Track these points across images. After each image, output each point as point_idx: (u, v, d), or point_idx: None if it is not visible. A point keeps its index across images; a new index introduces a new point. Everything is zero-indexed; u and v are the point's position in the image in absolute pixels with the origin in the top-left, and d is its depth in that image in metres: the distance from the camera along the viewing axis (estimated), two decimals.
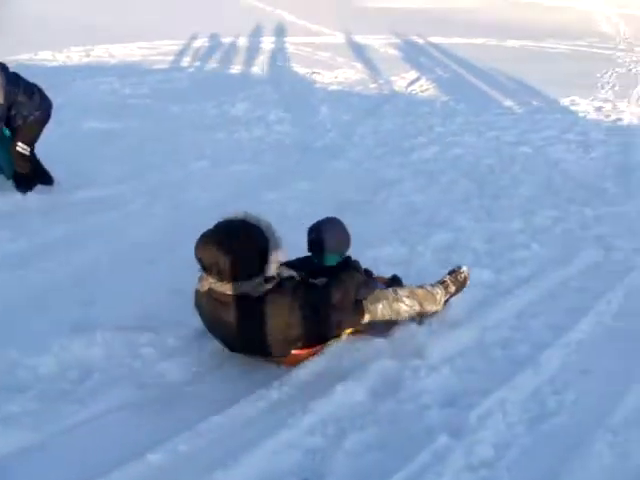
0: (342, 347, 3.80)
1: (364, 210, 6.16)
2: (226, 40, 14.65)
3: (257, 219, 3.25)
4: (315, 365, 3.64)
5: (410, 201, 6.44)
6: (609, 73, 14.05)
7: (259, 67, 12.49)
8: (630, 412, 3.57)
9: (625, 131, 9.92)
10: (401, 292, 3.83)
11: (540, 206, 6.63)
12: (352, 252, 4.03)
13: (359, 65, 13.01)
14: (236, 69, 12.40)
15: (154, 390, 3.47)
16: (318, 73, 12.06)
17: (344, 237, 3.86)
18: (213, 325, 3.42)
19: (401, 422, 3.29)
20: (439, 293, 4.03)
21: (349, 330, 3.75)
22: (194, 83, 11.25)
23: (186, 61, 12.81)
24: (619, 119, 10.55)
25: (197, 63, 12.70)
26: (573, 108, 10.94)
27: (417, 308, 3.90)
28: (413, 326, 4.02)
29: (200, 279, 3.28)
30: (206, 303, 3.32)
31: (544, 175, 7.66)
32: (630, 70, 14.61)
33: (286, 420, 3.21)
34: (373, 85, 11.57)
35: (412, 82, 11.91)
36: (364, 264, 4.02)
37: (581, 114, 10.64)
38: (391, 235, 5.53)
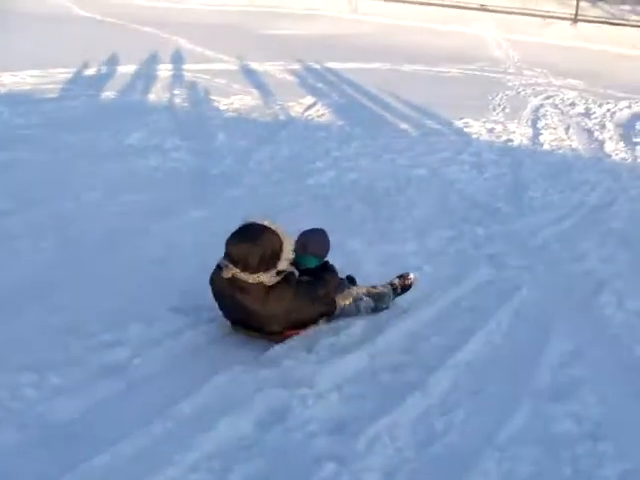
0: (227, 378, 3.76)
1: None
2: (122, 68, 14.42)
3: (276, 225, 4.03)
4: (199, 398, 3.58)
5: (305, 227, 6.43)
6: (500, 96, 14.47)
7: (155, 95, 12.33)
8: (517, 429, 3.65)
9: (516, 151, 10.24)
10: (361, 292, 4.51)
11: (434, 227, 6.76)
12: None
13: (255, 91, 13.00)
14: (132, 97, 12.20)
15: (36, 431, 3.35)
16: (215, 100, 11.99)
17: (326, 245, 4.54)
18: (229, 305, 4.12)
19: (288, 452, 3.27)
20: (388, 293, 4.70)
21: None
22: (89, 111, 11.02)
23: (80, 89, 12.51)
24: (510, 140, 10.88)
25: (92, 91, 12.43)
26: (466, 130, 11.21)
27: (372, 305, 4.57)
28: (302, 354, 4.02)
29: (224, 268, 3.93)
30: (226, 287, 3.99)
31: (439, 196, 7.82)
32: (519, 93, 15.07)
33: (171, 457, 3.14)
34: (270, 111, 11.57)
35: (308, 107, 11.96)
36: None
37: (474, 136, 10.91)
38: None
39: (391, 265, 5.67)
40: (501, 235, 6.76)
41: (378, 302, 4.60)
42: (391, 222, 6.82)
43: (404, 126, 11.18)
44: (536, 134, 11.40)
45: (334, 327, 4.45)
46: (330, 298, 4.31)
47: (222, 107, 11.57)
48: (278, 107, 11.85)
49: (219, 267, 3.99)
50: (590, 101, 14.79)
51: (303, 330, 4.25)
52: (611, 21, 33.05)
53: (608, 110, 13.98)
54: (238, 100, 12.14)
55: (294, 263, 4.21)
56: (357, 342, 4.30)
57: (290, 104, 12.07)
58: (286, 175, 8.18)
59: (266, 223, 3.99)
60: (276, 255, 3.92)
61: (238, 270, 3.88)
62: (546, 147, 10.69)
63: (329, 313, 4.34)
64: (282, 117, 11.25)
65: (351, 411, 3.61)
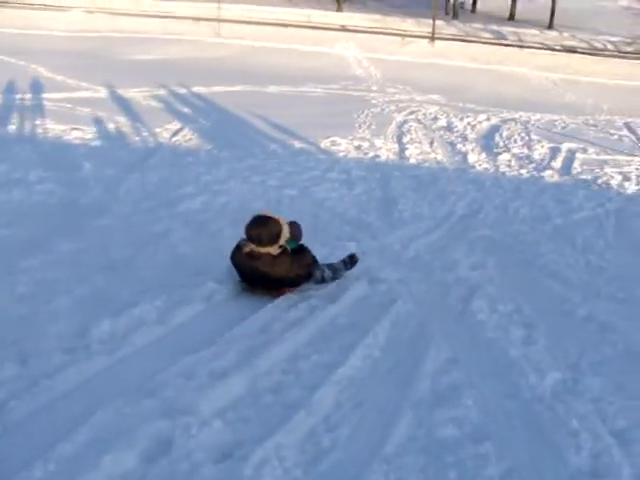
0: (109, 412, 3.64)
1: (132, 266, 5.99)
2: None
3: (277, 216, 5.49)
4: (81, 436, 3.44)
5: (178, 253, 6.35)
6: (365, 113, 14.80)
7: (15, 126, 11.88)
8: (401, 440, 3.70)
9: (383, 166, 10.48)
10: (325, 266, 5.83)
11: (308, 245, 6.77)
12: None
13: (121, 119, 12.77)
14: None
15: None
16: (79, 129, 11.67)
17: (301, 232, 5.87)
18: (247, 272, 5.47)
19: None
20: (341, 267, 5.98)
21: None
22: None
23: None
24: (377, 155, 11.13)
25: None
26: (334, 148, 11.38)
27: (331, 275, 5.82)
28: (181, 381, 3.94)
29: (244, 246, 5.40)
30: (245, 259, 5.40)
31: (311, 214, 7.86)
32: (383, 110, 15.46)
33: None
34: (137, 138, 11.39)
35: (176, 133, 11.85)
36: None
37: (342, 153, 11.10)
38: (158, 289, 5.39)
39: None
40: (374, 249, 6.87)
41: (335, 273, 5.87)
42: None
43: (272, 147, 11.24)
44: (402, 149, 11.71)
45: (212, 352, 4.40)
46: (310, 266, 5.67)
47: (87, 136, 11.28)
48: (145, 134, 11.69)
49: (238, 246, 5.47)
50: (451, 115, 15.35)
51: (294, 289, 5.57)
52: (466, 38, 34.48)
53: (469, 123, 14.56)
54: (103, 128, 11.89)
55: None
56: (236, 365, 4.24)
57: (157, 130, 11.93)
58: (157, 202, 8.02)
59: (270, 215, 5.48)
60: (278, 235, 5.39)
61: (254, 246, 5.34)
62: (412, 161, 11.00)
63: (309, 276, 5.67)
64: (149, 144, 11.09)
65: (236, 436, 3.55)
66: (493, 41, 33.27)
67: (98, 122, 12.34)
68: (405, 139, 12.50)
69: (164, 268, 5.97)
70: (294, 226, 5.81)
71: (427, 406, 4.03)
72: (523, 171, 10.74)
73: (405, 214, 8.06)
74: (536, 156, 11.80)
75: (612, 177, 10.64)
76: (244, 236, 5.46)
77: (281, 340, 4.66)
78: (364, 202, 8.54)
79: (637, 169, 11.34)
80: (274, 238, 5.38)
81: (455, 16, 41.19)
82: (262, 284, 5.49)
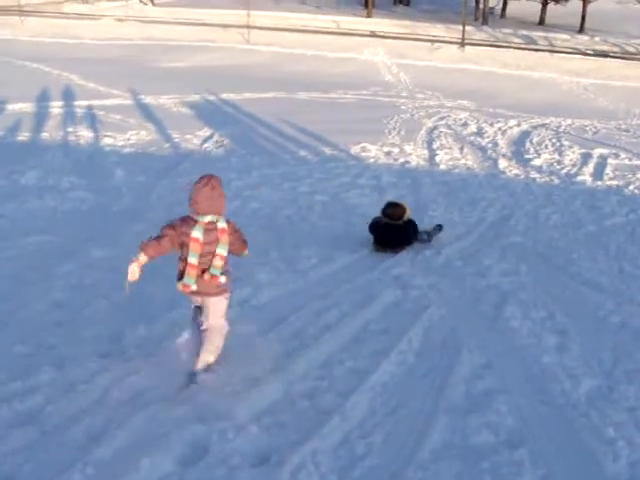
0: (143, 419, 3.68)
1: (165, 271, 6.03)
2: (12, 106, 14.04)
3: (402, 202, 7.51)
4: (118, 441, 3.49)
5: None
6: (394, 119, 14.78)
7: (48, 133, 12.04)
8: (436, 446, 3.70)
9: (413, 172, 10.47)
10: (424, 232, 7.42)
11: (340, 251, 6.81)
12: None
13: (152, 126, 12.88)
14: (24, 136, 11.86)
15: None
16: (110, 136, 11.80)
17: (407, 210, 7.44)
18: (383, 237, 7.18)
19: None
20: (434, 233, 7.52)
21: None
22: None
23: None
24: (407, 162, 11.12)
25: None
26: (364, 154, 11.40)
27: (426, 237, 7.39)
28: (217, 387, 3.96)
29: (380, 220, 7.25)
30: (383, 229, 7.17)
31: (343, 221, 7.90)
32: (413, 116, 15.43)
33: None
34: (167, 145, 11.49)
35: (206, 139, 11.93)
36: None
37: (372, 159, 11.11)
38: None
39: (300, 294, 5.70)
40: (405, 255, 6.88)
41: (429, 237, 7.35)
42: (297, 249, 6.83)
43: (303, 153, 11.28)
44: (432, 155, 11.69)
45: (247, 356, 4.42)
46: (417, 233, 7.32)
47: (118, 143, 11.40)
48: (176, 140, 11.78)
49: (377, 222, 7.29)
50: (481, 121, 15.28)
51: (406, 247, 7.22)
52: (495, 44, 34.32)
53: (499, 129, 14.48)
54: (134, 135, 12.00)
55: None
56: (271, 371, 4.27)
57: (188, 137, 12.01)
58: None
59: (399, 202, 7.45)
60: (403, 213, 7.19)
61: (389, 219, 7.16)
62: (442, 167, 10.97)
63: (415, 239, 7.31)
64: (180, 150, 11.18)
65: (272, 441, 3.58)
66: (523, 46, 33.09)
67: (129, 129, 12.46)
68: (435, 145, 12.48)
69: None
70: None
71: (461, 412, 4.03)
72: (554, 177, 10.67)
73: (436, 220, 8.05)
74: (567, 162, 11.70)
75: None
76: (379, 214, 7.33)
77: (313, 346, 4.69)
78: None
79: None
80: (402, 215, 7.15)
81: (485, 21, 41.01)
82: (389, 246, 7.15)
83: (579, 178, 10.61)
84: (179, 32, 30.77)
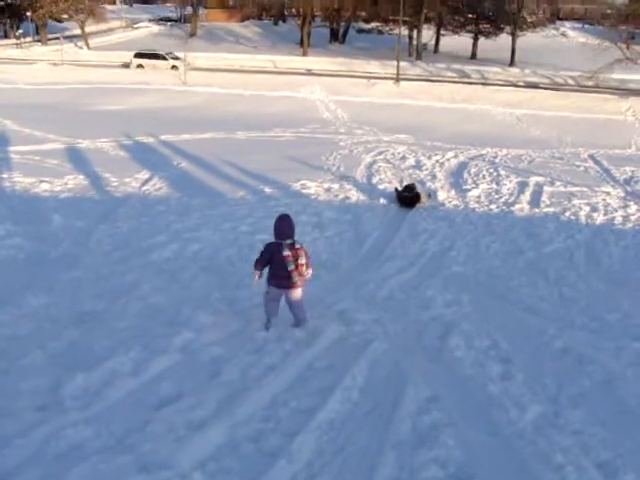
0: (83, 470, 3.55)
1: (104, 318, 5.91)
2: None
3: (419, 187, 11.39)
4: None
5: (151, 303, 6.27)
6: (333, 155, 14.87)
7: None
8: None
9: (354, 208, 10.50)
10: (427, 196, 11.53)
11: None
12: None
13: (89, 170, 12.70)
14: None
15: None
16: (47, 181, 11.58)
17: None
18: (408, 202, 10.84)
19: None
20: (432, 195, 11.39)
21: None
22: None
23: None
24: (347, 197, 11.16)
25: None
26: (304, 191, 11.39)
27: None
28: (160, 434, 3.85)
29: (404, 198, 10.98)
30: (407, 201, 10.81)
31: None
32: (352, 151, 15.55)
33: None
34: (106, 188, 11.32)
35: (145, 182, 11.80)
36: None
37: (312, 196, 11.11)
38: (131, 340, 5.31)
39: (240, 336, 5.60)
40: (343, 290, 6.85)
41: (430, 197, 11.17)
42: (238, 290, 6.74)
43: (242, 193, 11.22)
44: (372, 189, 11.76)
45: (189, 402, 4.32)
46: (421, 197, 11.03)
47: (56, 188, 11.20)
48: (114, 184, 11.62)
49: (402, 195, 10.91)
50: (419, 154, 15.48)
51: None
52: (430, 78, 34.98)
53: (437, 161, 14.68)
54: (72, 180, 11.81)
55: None
56: (215, 415, 4.17)
57: (126, 180, 11.87)
58: (128, 252, 7.95)
59: (413, 185, 11.00)
60: (419, 197, 10.43)
61: (408, 192, 10.80)
62: (383, 201, 11.03)
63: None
64: (119, 194, 11.02)
65: None
66: (457, 80, 33.81)
67: (66, 174, 12.26)
68: (375, 179, 12.57)
69: (137, 319, 5.88)
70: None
71: (409, 447, 3.99)
72: (493, 206, 10.83)
73: (378, 253, 8.05)
74: (505, 191, 11.91)
75: (580, 208, 10.76)
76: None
77: (258, 388, 4.60)
78: (336, 243, 8.54)
79: (604, 200, 11.48)
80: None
81: (419, 57, 41.82)
82: (411, 206, 10.60)
83: (517, 206, 10.80)
84: (115, 75, 30.67)
